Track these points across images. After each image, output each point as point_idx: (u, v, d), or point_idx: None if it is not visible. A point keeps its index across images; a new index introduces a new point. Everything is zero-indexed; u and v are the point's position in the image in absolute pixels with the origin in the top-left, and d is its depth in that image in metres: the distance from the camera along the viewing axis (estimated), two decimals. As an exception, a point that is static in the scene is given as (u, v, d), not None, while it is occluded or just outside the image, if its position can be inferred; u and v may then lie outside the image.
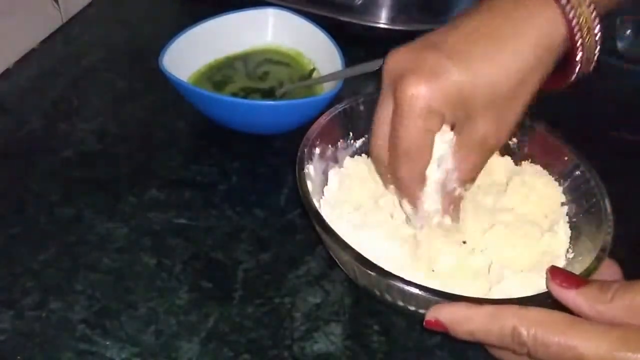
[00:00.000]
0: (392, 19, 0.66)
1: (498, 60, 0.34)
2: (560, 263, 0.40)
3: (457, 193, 0.39)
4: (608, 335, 0.29)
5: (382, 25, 0.66)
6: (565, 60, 0.36)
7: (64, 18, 0.67)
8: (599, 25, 0.35)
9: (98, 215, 0.47)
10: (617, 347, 0.28)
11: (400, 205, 0.40)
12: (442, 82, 0.34)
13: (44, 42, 0.64)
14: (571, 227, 0.42)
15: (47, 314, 0.41)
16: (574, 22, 0.34)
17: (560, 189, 0.44)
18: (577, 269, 0.37)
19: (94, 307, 0.42)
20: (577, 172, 0.43)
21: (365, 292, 0.42)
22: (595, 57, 0.36)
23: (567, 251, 0.41)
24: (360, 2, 0.63)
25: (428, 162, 0.37)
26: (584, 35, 0.34)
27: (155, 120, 0.56)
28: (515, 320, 0.30)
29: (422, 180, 0.37)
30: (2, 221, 0.47)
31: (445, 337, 0.41)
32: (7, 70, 0.60)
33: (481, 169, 0.38)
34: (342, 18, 0.63)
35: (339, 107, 0.45)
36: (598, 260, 0.37)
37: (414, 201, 0.38)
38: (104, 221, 0.47)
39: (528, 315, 0.30)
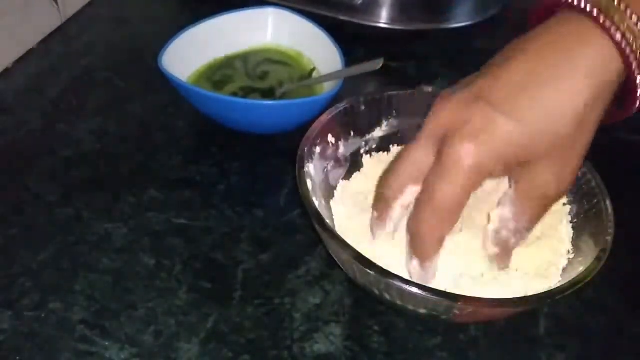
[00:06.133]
0: (392, 19, 0.66)
1: (552, 104, 0.32)
2: (562, 263, 0.40)
3: (511, 243, 0.37)
4: None
5: (382, 25, 0.66)
6: (621, 92, 0.33)
7: (64, 18, 0.67)
8: None
9: (97, 215, 0.47)
10: None
11: (406, 263, 0.38)
12: (492, 139, 0.32)
13: (43, 42, 0.64)
14: (573, 228, 0.42)
15: (46, 315, 0.41)
16: (632, 57, 0.31)
17: None
18: (578, 269, 0.37)
19: (93, 308, 0.42)
20: (579, 173, 0.43)
21: (365, 293, 0.42)
22: None
23: (568, 252, 0.41)
24: (360, 1, 0.63)
25: (455, 223, 0.34)
26: None
27: (155, 120, 0.56)
28: None
29: (442, 242, 0.35)
30: (1, 221, 0.46)
31: (445, 338, 0.41)
32: (7, 70, 0.60)
33: (540, 219, 0.36)
34: (342, 17, 0.63)
35: (340, 107, 0.45)
36: (598, 260, 0.37)
37: (424, 262, 0.36)
38: (103, 221, 0.47)
39: None
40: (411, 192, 0.36)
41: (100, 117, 0.56)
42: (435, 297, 0.34)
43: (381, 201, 0.38)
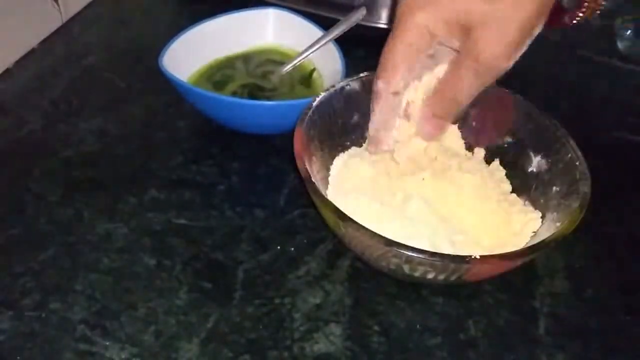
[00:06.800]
0: (392, 19, 0.66)
1: None
2: (535, 226, 0.43)
3: (444, 110, 0.41)
4: None
5: (382, 26, 0.66)
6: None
7: (64, 18, 0.67)
8: None
9: (98, 215, 0.47)
10: None
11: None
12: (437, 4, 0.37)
13: (44, 42, 0.64)
14: (544, 185, 0.44)
15: (47, 315, 0.41)
16: None
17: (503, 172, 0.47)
18: (555, 224, 0.40)
19: (93, 308, 0.42)
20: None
21: (365, 293, 0.42)
22: None
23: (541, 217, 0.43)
24: (360, 2, 0.63)
25: (402, 77, 0.40)
26: None
27: (155, 120, 0.56)
28: None
29: (388, 95, 0.40)
30: (2, 221, 0.47)
31: (445, 338, 0.41)
32: (7, 70, 0.60)
33: (475, 93, 0.40)
34: (342, 18, 0.63)
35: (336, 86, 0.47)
36: (581, 208, 0.39)
37: (375, 107, 0.41)
38: (103, 221, 0.47)
39: None
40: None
41: (101, 117, 0.56)
42: (443, 261, 0.36)
43: (374, 94, 0.42)
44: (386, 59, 0.40)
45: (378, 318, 0.42)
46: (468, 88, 0.39)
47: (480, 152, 0.47)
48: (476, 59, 0.37)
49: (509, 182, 0.47)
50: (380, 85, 0.40)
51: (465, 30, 0.37)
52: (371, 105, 0.42)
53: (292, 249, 0.46)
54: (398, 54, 0.39)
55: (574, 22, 0.40)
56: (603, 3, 0.37)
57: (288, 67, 0.57)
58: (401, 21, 0.38)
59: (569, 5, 0.39)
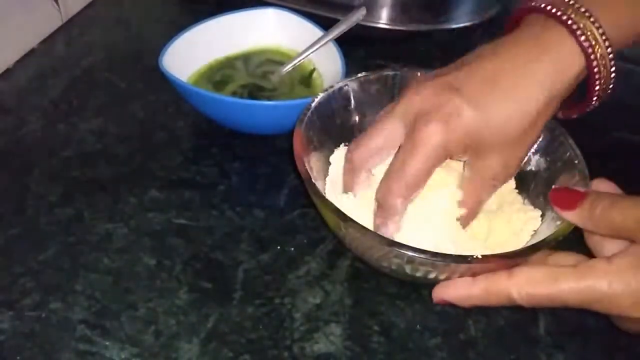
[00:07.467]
0: (392, 19, 0.66)
1: (511, 106, 0.37)
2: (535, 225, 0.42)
3: (467, 220, 0.41)
4: (583, 286, 0.34)
5: (382, 26, 0.66)
6: (582, 90, 0.39)
7: (64, 18, 0.67)
8: (613, 61, 0.37)
9: (98, 215, 0.47)
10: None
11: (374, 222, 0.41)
12: (458, 125, 0.36)
13: (44, 42, 0.64)
14: (543, 184, 0.44)
15: (47, 315, 0.41)
16: (592, 57, 0.36)
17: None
18: (556, 223, 0.39)
19: (93, 308, 0.42)
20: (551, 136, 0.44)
21: (365, 292, 0.42)
22: (611, 87, 0.39)
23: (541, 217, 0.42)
24: (360, 2, 0.63)
25: (419, 192, 0.39)
26: (601, 69, 0.37)
27: (155, 120, 0.56)
28: (506, 288, 0.35)
29: (405, 209, 0.39)
30: (2, 221, 0.47)
31: (445, 338, 0.41)
32: (7, 70, 0.60)
33: (490, 197, 0.41)
34: (342, 18, 0.63)
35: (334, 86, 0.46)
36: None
37: (388, 222, 0.39)
38: (103, 221, 0.47)
39: (516, 280, 0.35)
40: (376, 161, 0.41)
41: (101, 117, 0.56)
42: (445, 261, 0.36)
43: (352, 168, 0.42)
44: (414, 177, 0.38)
45: (378, 318, 0.42)
46: (483, 196, 0.41)
47: None
48: (487, 178, 0.39)
49: (513, 179, 0.46)
50: (399, 202, 0.39)
51: (475, 152, 0.38)
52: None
53: (292, 249, 0.46)
54: (424, 172, 0.38)
55: (590, 108, 0.42)
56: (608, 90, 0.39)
57: (288, 67, 0.57)
58: (425, 143, 0.37)
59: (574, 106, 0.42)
